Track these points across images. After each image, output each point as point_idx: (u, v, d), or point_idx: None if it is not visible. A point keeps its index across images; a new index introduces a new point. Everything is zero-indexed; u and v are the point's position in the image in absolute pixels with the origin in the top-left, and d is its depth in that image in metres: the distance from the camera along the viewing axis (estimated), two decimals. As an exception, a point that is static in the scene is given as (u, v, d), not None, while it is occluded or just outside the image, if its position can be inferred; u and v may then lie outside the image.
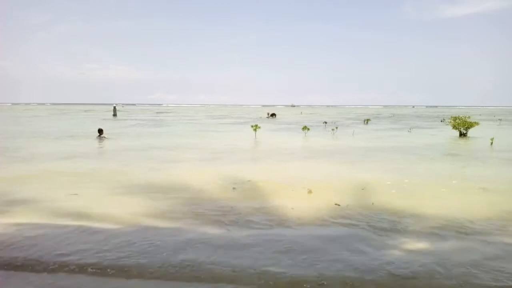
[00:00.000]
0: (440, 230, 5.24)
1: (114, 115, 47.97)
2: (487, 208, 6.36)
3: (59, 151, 13.73)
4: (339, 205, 6.42)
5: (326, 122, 32.70)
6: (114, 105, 53.68)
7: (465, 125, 20.39)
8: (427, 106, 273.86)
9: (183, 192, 7.37)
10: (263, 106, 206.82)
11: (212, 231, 5.22)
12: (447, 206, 6.43)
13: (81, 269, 4.05)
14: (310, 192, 7.30)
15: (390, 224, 5.50)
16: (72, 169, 10.08)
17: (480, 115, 54.82)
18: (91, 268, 4.06)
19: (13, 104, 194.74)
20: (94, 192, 7.42)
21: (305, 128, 21.49)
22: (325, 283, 3.75)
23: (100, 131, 17.94)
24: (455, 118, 20.95)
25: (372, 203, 6.51)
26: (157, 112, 69.26)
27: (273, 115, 49.01)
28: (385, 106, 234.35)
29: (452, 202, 6.81)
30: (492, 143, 15.85)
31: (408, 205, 6.46)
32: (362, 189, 7.62)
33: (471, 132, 20.41)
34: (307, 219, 5.76)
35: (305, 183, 7.96)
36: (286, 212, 6.09)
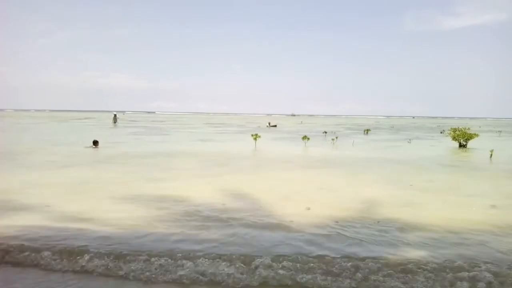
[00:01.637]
0: None
1: (115, 122, 47.88)
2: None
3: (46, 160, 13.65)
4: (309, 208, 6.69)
5: (326, 132, 32.74)
6: (115, 113, 53.46)
7: (464, 136, 20.40)
8: (426, 117, 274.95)
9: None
10: (263, 114, 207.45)
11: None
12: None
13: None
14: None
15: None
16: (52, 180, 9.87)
17: (479, 126, 54.93)
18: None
19: (12, 110, 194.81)
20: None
21: (305, 137, 21.50)
22: None
23: (95, 143, 17.36)
24: (454, 130, 20.95)
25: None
26: (158, 120, 69.37)
27: (273, 126, 49.06)
28: (385, 117, 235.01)
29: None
30: (491, 155, 15.85)
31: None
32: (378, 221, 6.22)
33: (471, 144, 20.43)
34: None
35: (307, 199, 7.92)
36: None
